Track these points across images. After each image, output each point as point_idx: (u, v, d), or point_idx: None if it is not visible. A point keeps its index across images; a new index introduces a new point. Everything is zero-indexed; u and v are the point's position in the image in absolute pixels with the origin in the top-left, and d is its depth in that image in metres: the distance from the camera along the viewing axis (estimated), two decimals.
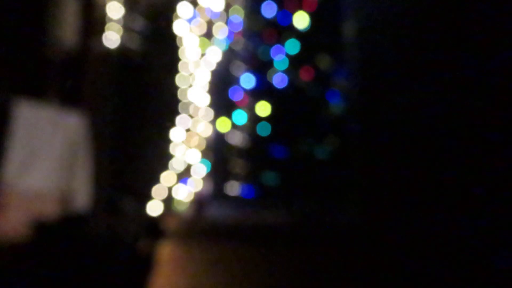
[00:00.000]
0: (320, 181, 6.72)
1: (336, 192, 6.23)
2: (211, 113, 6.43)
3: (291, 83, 7.15)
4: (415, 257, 3.57)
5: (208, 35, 6.38)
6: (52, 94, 3.82)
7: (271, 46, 7.18)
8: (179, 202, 5.98)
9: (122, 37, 5.16)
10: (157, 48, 5.76)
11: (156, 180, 5.64)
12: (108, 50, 4.87)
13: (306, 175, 6.93)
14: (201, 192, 6.25)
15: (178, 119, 5.97)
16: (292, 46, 7.13)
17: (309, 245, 4.24)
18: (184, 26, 6.06)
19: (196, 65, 6.19)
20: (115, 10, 5.00)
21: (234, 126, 7.16)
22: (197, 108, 6.20)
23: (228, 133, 7.15)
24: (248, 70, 7.18)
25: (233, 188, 7.20)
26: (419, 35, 4.40)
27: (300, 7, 7.08)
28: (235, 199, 7.08)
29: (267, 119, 7.17)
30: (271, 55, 7.18)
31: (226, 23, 6.73)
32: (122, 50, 5.21)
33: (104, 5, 4.81)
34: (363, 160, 5.51)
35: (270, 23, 7.14)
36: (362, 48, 5.59)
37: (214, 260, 3.59)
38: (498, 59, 3.39)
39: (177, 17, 6.02)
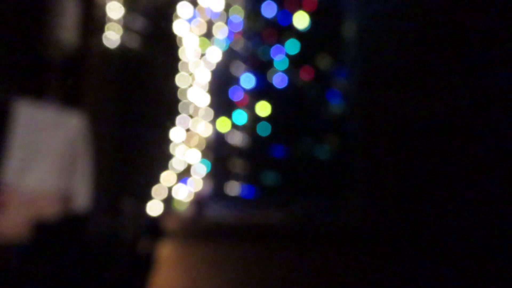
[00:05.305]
0: (320, 181, 6.72)
1: (336, 192, 6.22)
2: (211, 113, 6.43)
3: (291, 83, 7.15)
4: (415, 257, 3.57)
5: (208, 35, 6.38)
6: (52, 94, 3.82)
7: (271, 46, 7.17)
8: (179, 202, 5.97)
9: (122, 37, 5.16)
10: (157, 48, 5.75)
11: (156, 180, 5.64)
12: (108, 50, 4.87)
13: (306, 175, 6.92)
14: (201, 192, 6.25)
15: (178, 119, 5.97)
16: (292, 46, 7.12)
17: (309, 245, 4.24)
18: (184, 26, 6.06)
19: (196, 65, 6.18)
20: (115, 10, 5.00)
21: (234, 126, 7.15)
22: (197, 108, 6.20)
23: (228, 133, 7.14)
24: (248, 70, 7.18)
25: (233, 188, 7.20)
26: (419, 35, 4.40)
27: (300, 7, 7.08)
28: (235, 199, 7.07)
29: (267, 119, 7.16)
30: (271, 55, 7.18)
31: (226, 23, 6.73)
32: (122, 50, 5.21)
33: (104, 5, 4.81)
34: (363, 160, 5.51)
35: (270, 23, 7.14)
36: (362, 48, 5.58)
37: (214, 260, 3.58)
38: (498, 59, 3.39)
39: (177, 17, 6.02)
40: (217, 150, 6.89)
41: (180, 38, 6.04)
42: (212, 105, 6.43)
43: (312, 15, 7.07)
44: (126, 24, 5.21)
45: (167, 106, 5.90)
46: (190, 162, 6.13)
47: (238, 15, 6.93)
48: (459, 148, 3.76)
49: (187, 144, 6.08)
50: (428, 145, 4.18)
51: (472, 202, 3.53)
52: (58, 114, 3.50)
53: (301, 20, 7.08)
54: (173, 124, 5.92)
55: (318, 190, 6.60)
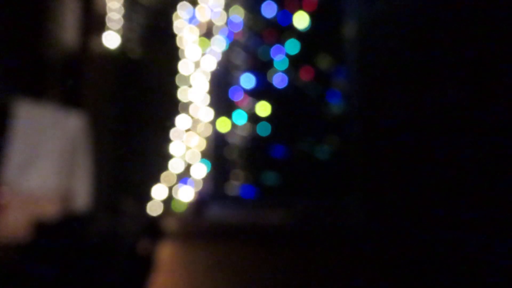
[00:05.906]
0: (320, 181, 6.72)
1: (336, 192, 6.23)
2: (211, 113, 6.43)
3: (291, 83, 7.15)
4: (416, 257, 3.57)
5: (208, 35, 6.38)
6: (52, 94, 3.82)
7: (271, 46, 7.17)
8: (179, 202, 5.97)
9: (122, 37, 5.16)
10: (157, 48, 5.75)
11: (156, 180, 5.64)
12: (108, 50, 4.87)
13: (306, 175, 6.92)
14: (201, 192, 6.25)
15: (178, 119, 5.97)
16: (292, 46, 7.12)
17: (309, 245, 4.24)
18: (184, 26, 6.06)
19: (196, 65, 6.19)
20: (115, 10, 5.00)
21: (234, 126, 7.15)
22: (197, 108, 6.19)
23: (228, 133, 7.14)
24: (248, 70, 7.18)
25: (233, 188, 7.20)
26: (419, 34, 4.40)
27: (300, 7, 7.08)
28: (235, 199, 7.07)
29: (267, 119, 7.16)
30: (271, 55, 7.18)
31: (226, 23, 6.72)
32: (122, 50, 5.21)
33: (104, 5, 4.81)
34: (363, 160, 5.51)
35: (270, 23, 7.14)
36: (362, 48, 5.58)
37: (214, 260, 3.58)
38: (499, 59, 3.39)
39: (177, 17, 6.02)
40: (217, 150, 6.89)
41: (180, 38, 6.04)
42: (212, 105, 6.43)
43: (312, 15, 7.07)
44: (126, 24, 5.21)
45: (167, 106, 5.90)
46: (190, 162, 6.13)
47: (238, 15, 6.93)
48: (460, 147, 3.76)
49: (187, 144, 6.08)
50: (428, 145, 4.18)
51: (474, 201, 3.53)
52: (58, 114, 3.51)
53: (301, 20, 7.08)
54: (173, 124, 5.91)
55: (318, 190, 6.60)
